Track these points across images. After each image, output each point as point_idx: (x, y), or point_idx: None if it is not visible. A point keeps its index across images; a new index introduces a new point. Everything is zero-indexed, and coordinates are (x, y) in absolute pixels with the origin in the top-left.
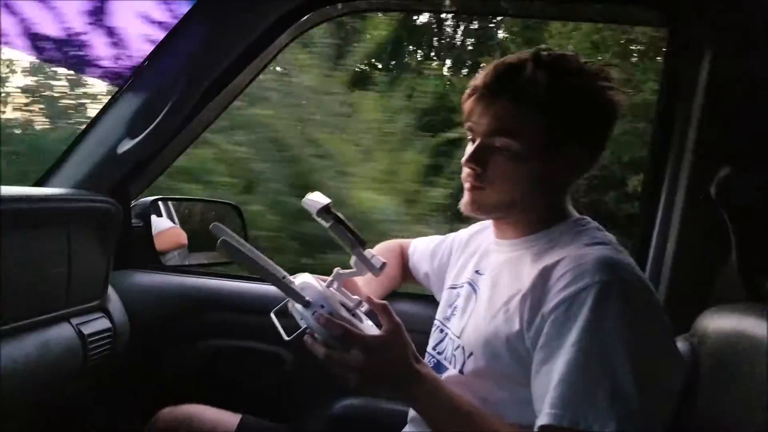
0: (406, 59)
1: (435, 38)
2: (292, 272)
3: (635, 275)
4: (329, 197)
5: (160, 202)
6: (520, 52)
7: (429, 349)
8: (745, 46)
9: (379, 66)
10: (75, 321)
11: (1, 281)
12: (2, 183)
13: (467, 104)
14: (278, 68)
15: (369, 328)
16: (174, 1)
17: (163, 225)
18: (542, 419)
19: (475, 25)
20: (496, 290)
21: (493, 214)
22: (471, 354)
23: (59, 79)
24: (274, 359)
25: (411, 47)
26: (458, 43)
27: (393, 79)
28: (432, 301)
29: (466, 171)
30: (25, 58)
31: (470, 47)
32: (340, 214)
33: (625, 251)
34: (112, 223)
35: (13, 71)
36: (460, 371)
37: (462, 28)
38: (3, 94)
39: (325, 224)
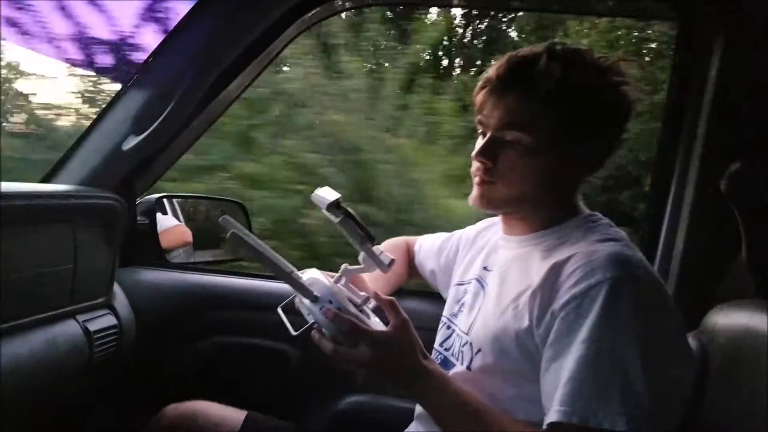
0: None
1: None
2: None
3: (647, 272)
4: (403, 202)
5: (165, 200)
6: (533, 45)
7: (436, 345)
8: (755, 41)
9: (441, 65)
10: (81, 318)
11: (7, 278)
12: None
13: (479, 97)
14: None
15: (376, 324)
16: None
17: (168, 222)
18: (551, 416)
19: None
20: (505, 286)
21: (503, 209)
22: (479, 350)
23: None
24: (280, 356)
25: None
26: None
27: (449, 80)
28: (438, 298)
29: (475, 165)
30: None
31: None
32: (350, 210)
33: (636, 248)
34: (117, 220)
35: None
36: (468, 367)
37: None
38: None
39: (335, 219)
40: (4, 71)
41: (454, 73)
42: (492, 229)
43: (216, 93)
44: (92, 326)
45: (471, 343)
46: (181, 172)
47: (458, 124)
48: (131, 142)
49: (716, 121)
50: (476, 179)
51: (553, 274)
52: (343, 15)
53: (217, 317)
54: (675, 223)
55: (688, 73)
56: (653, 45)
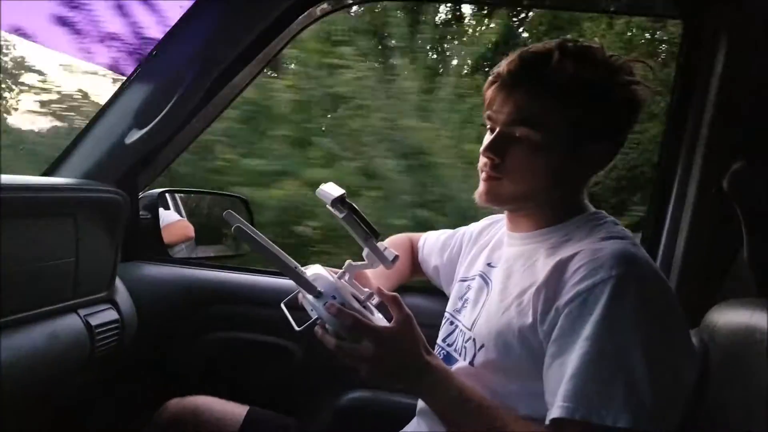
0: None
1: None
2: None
3: (651, 270)
4: (468, 207)
5: (167, 195)
6: (545, 41)
7: (439, 341)
8: (760, 41)
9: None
10: (82, 312)
11: (8, 271)
12: None
13: (488, 92)
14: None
15: (379, 320)
16: None
17: (170, 217)
18: (554, 412)
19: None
20: (509, 282)
21: (509, 205)
22: (482, 346)
23: None
24: (282, 352)
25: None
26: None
27: None
28: (441, 295)
29: (483, 160)
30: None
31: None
32: (354, 206)
33: (641, 246)
34: (119, 214)
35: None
36: (471, 363)
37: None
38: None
39: (339, 215)
40: (9, 66)
41: None
42: (496, 225)
43: (220, 87)
44: (94, 320)
45: (474, 339)
46: (252, 176)
47: None
48: (134, 135)
49: (719, 120)
50: (483, 175)
51: (558, 271)
52: (352, 11)
53: (219, 312)
54: (677, 221)
55: (692, 73)
56: (669, 46)
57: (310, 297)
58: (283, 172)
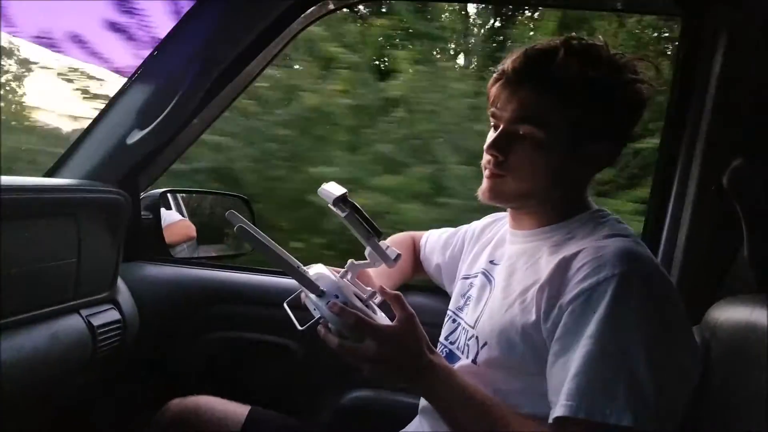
0: None
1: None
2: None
3: (655, 268)
4: None
5: (169, 195)
6: (549, 39)
7: (441, 339)
8: (759, 40)
9: None
10: (84, 312)
11: (10, 272)
12: None
13: (493, 90)
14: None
15: (382, 319)
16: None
17: (172, 217)
18: (558, 410)
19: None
20: (512, 280)
21: (512, 203)
22: (485, 344)
23: None
24: (283, 351)
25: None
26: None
27: None
28: (444, 294)
29: (486, 158)
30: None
31: None
32: (356, 204)
33: (644, 244)
34: (121, 215)
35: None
36: (473, 361)
37: None
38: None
39: (341, 214)
40: (14, 68)
41: None
42: (498, 223)
43: (220, 88)
44: (96, 321)
45: (477, 337)
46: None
47: None
48: (135, 136)
49: (718, 118)
50: (486, 172)
51: (562, 268)
52: (362, 8)
53: (221, 312)
54: (677, 219)
55: (691, 71)
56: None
57: (312, 296)
58: (354, 180)
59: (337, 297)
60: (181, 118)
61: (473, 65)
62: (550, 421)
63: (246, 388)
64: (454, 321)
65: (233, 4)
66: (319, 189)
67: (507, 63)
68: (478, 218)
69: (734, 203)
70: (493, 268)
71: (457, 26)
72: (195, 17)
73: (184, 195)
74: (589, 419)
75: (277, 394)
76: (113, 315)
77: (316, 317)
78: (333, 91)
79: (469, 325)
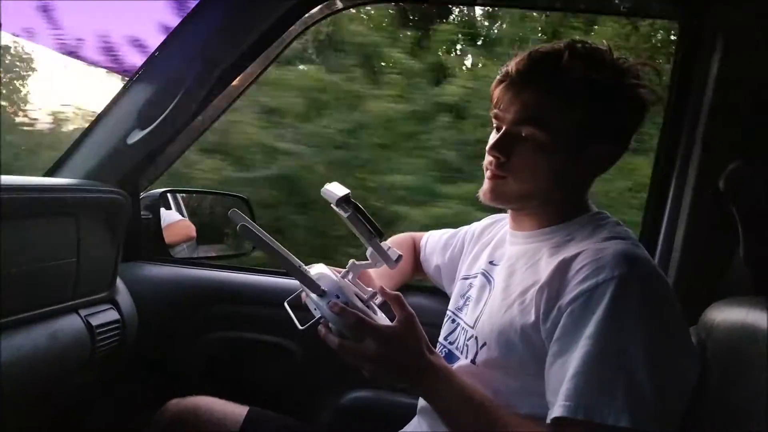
0: None
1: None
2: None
3: (653, 270)
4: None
5: (169, 195)
6: (554, 42)
7: (440, 339)
8: (756, 41)
9: None
10: (83, 312)
11: (9, 272)
12: None
13: (496, 91)
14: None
15: (382, 320)
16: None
17: (172, 217)
18: (556, 411)
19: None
20: (512, 281)
21: (512, 204)
22: (484, 344)
23: None
24: (283, 351)
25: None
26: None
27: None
28: (443, 294)
29: (488, 159)
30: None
31: None
32: (359, 205)
33: (642, 246)
34: (120, 215)
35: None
36: (473, 361)
37: None
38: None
39: (344, 214)
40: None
41: None
42: (498, 224)
43: (221, 89)
44: (95, 321)
45: (476, 337)
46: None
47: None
48: (136, 136)
49: (716, 119)
50: (488, 173)
51: (561, 270)
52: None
53: (220, 312)
54: (674, 220)
55: (689, 73)
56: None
57: (313, 296)
58: (427, 190)
59: (338, 297)
60: (182, 118)
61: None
62: (549, 421)
63: (245, 389)
64: (453, 321)
65: (235, 4)
66: (322, 189)
67: (511, 65)
68: None
69: (731, 205)
70: (492, 269)
71: (519, 32)
72: (196, 17)
73: (183, 195)
74: (587, 420)
75: (277, 394)
76: (112, 315)
77: (317, 317)
78: (390, 96)
79: (469, 326)
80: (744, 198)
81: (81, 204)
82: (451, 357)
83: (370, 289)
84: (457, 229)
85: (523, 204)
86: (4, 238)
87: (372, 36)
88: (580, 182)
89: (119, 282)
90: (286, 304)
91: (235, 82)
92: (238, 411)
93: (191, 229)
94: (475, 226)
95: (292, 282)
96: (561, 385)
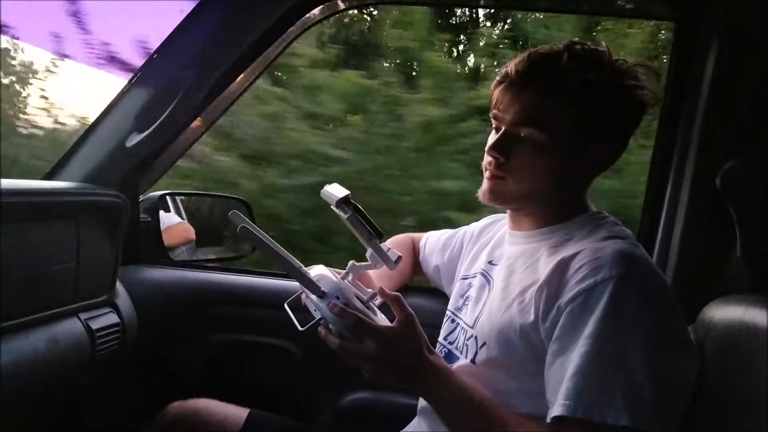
0: None
1: None
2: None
3: (652, 269)
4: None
5: (168, 197)
6: (553, 43)
7: (440, 339)
8: (752, 41)
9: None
10: (83, 316)
11: (9, 275)
12: None
13: (496, 92)
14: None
15: (382, 320)
16: None
17: (171, 220)
18: (555, 410)
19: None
20: (511, 280)
21: (512, 204)
22: (484, 344)
23: None
24: (283, 353)
25: None
26: None
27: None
28: (443, 295)
29: (487, 159)
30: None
31: None
32: (359, 206)
33: (641, 246)
34: (120, 218)
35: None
36: (472, 361)
37: None
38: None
39: (344, 215)
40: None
41: None
42: (497, 224)
43: (219, 91)
44: (95, 324)
45: (476, 337)
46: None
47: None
48: (134, 139)
49: (712, 119)
50: (487, 174)
51: (560, 269)
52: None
53: (220, 315)
54: (672, 219)
55: (685, 74)
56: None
57: (313, 297)
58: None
59: (338, 298)
60: (181, 120)
61: None
62: (548, 420)
63: (246, 391)
64: (453, 321)
65: (235, 4)
66: (322, 191)
67: (510, 66)
68: None
69: (728, 204)
70: (491, 269)
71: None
72: (195, 18)
73: (182, 198)
74: (586, 419)
75: (277, 396)
76: (112, 318)
77: (317, 318)
78: (429, 100)
79: (468, 325)
80: (741, 196)
81: (80, 207)
82: (450, 357)
83: (369, 290)
84: (456, 230)
85: (522, 204)
86: (3, 241)
87: (410, 41)
88: (579, 182)
89: (119, 285)
90: (286, 306)
91: (234, 83)
92: (238, 413)
93: (190, 232)
94: (474, 227)
95: (292, 284)
96: (560, 385)
